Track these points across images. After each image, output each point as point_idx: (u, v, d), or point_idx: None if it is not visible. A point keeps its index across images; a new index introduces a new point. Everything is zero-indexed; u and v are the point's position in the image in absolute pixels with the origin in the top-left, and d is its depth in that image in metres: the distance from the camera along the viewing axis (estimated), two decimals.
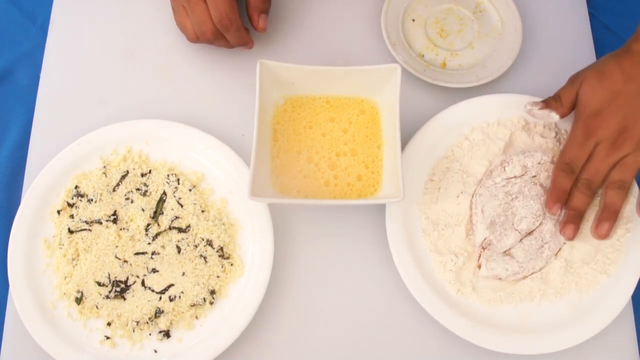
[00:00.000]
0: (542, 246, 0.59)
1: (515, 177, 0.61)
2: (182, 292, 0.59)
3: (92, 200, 0.62)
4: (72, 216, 0.61)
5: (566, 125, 0.65)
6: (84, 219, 0.61)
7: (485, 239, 0.59)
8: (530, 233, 0.59)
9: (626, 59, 0.58)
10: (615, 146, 0.57)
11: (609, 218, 0.57)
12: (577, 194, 0.58)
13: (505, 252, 0.59)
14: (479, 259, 0.59)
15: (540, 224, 0.59)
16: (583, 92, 0.59)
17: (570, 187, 0.59)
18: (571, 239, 0.58)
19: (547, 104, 0.61)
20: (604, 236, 0.57)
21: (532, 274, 0.59)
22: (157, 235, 0.61)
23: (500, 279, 0.59)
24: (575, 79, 0.60)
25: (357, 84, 0.62)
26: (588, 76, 0.59)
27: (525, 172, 0.61)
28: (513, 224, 0.59)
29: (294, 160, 0.61)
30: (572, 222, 0.58)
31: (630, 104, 0.57)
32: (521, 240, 0.59)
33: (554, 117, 0.61)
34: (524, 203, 0.59)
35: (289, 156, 0.61)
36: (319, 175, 0.60)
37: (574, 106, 0.60)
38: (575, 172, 0.58)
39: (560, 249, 0.60)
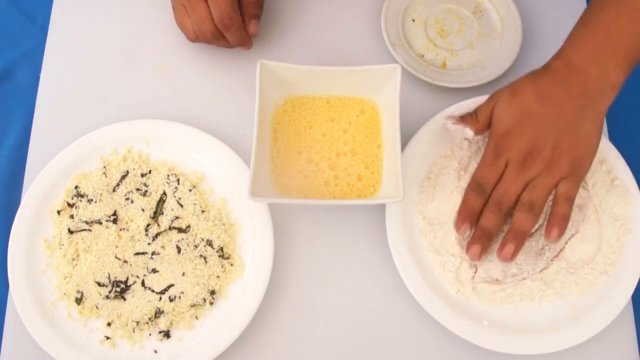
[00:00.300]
0: (542, 248, 0.59)
1: None
2: (182, 292, 0.59)
3: (92, 200, 0.62)
4: (72, 216, 0.61)
5: None
6: (84, 219, 0.61)
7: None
8: (530, 235, 0.59)
9: (543, 77, 0.56)
10: (525, 167, 0.55)
11: (514, 240, 0.55)
12: (487, 214, 0.57)
13: None
14: (472, 263, 0.59)
15: (541, 226, 0.59)
16: (496, 111, 0.57)
17: (480, 207, 0.58)
18: (476, 259, 0.58)
19: (463, 119, 0.61)
20: (508, 259, 0.56)
21: (532, 275, 0.59)
22: (157, 235, 0.61)
23: (498, 280, 0.59)
24: (493, 97, 0.59)
25: (357, 84, 0.62)
26: (502, 95, 0.57)
27: None
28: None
29: (294, 160, 0.61)
30: (478, 243, 0.57)
31: (541, 124, 0.55)
32: None
33: (468, 132, 0.60)
34: None
35: (289, 156, 0.61)
36: (319, 175, 0.60)
37: (489, 124, 0.59)
38: (486, 192, 0.57)
39: (562, 250, 0.60)
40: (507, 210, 0.57)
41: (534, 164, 0.55)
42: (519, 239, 0.56)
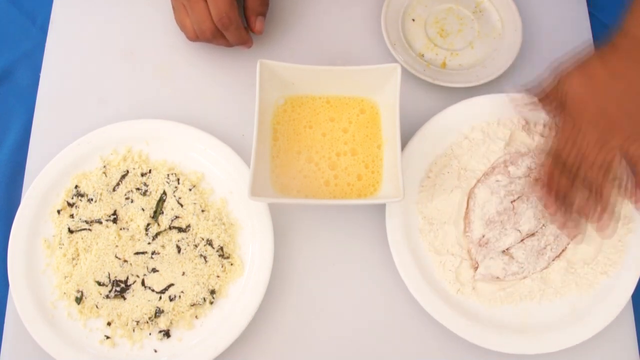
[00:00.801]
0: (545, 247, 0.59)
1: (519, 177, 0.61)
2: (182, 292, 0.59)
3: (92, 200, 0.62)
4: (72, 216, 0.61)
5: None
6: (84, 218, 0.61)
7: (483, 236, 0.59)
8: (532, 234, 0.59)
9: (611, 55, 0.56)
10: (605, 144, 0.55)
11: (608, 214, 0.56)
12: (574, 191, 0.57)
13: (504, 251, 0.59)
14: (474, 257, 0.59)
15: (544, 225, 0.59)
16: (570, 93, 0.57)
17: (566, 185, 0.57)
18: (576, 238, 0.58)
19: (540, 103, 0.61)
20: (609, 235, 0.56)
21: (533, 274, 0.59)
22: (157, 235, 0.61)
23: (498, 278, 0.59)
24: (560, 79, 0.58)
25: (357, 84, 0.62)
26: (573, 77, 0.57)
27: (529, 174, 0.61)
28: (514, 224, 0.59)
29: (294, 160, 0.61)
30: (572, 220, 0.57)
31: (618, 102, 0.55)
32: (522, 240, 0.59)
33: (545, 117, 0.61)
34: (528, 204, 0.59)
35: (289, 156, 0.61)
36: (319, 175, 0.60)
37: (560, 106, 0.59)
38: (569, 169, 0.57)
39: (564, 250, 0.60)
40: (592, 185, 0.56)
41: (613, 140, 0.55)
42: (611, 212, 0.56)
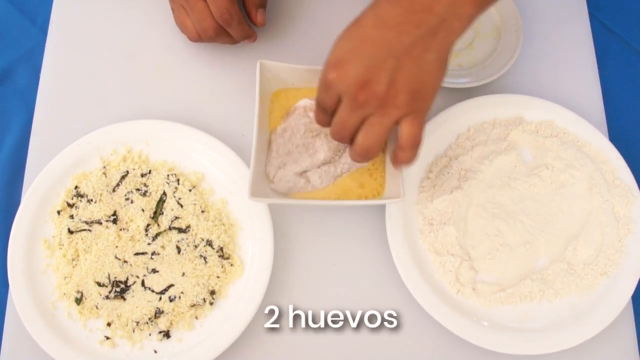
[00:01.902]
0: (340, 175, 0.60)
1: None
2: (182, 293, 0.59)
3: (92, 200, 0.62)
4: (72, 216, 0.61)
5: (565, 124, 0.65)
6: (83, 219, 0.61)
7: (282, 162, 0.59)
8: (329, 162, 0.59)
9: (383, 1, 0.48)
10: (357, 103, 0.48)
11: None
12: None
13: (300, 173, 0.59)
14: (270, 175, 0.59)
15: (340, 157, 0.60)
16: (336, 40, 0.50)
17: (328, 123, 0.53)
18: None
19: None
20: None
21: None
22: (157, 235, 0.60)
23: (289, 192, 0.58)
24: None
25: None
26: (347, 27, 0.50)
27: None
28: (312, 154, 0.59)
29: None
30: None
31: (376, 52, 0.47)
32: (319, 167, 0.59)
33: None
34: (325, 139, 0.59)
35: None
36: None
37: None
38: (328, 115, 0.52)
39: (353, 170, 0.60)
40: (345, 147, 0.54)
41: (367, 100, 0.48)
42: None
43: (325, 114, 0.53)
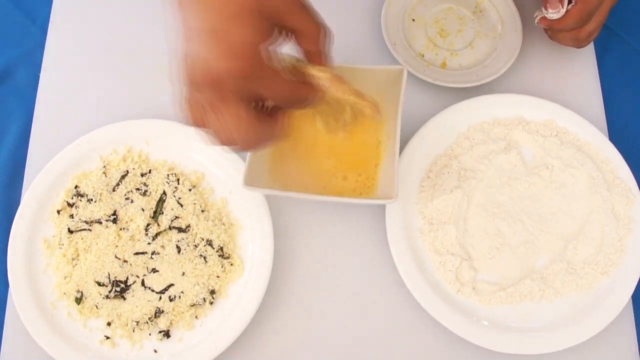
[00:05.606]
0: None
1: None
2: (182, 292, 0.59)
3: (92, 200, 0.62)
4: (72, 216, 0.61)
5: (565, 124, 0.65)
6: (83, 218, 0.61)
7: None
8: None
9: None
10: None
11: None
12: None
13: None
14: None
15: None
16: None
17: None
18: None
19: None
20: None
21: None
22: (157, 235, 0.60)
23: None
24: None
25: (359, 84, 0.62)
26: None
27: None
28: None
29: (294, 157, 0.60)
30: None
31: None
32: None
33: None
34: None
35: (287, 153, 0.61)
36: (317, 171, 0.60)
37: None
38: None
39: None
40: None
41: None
42: None
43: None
